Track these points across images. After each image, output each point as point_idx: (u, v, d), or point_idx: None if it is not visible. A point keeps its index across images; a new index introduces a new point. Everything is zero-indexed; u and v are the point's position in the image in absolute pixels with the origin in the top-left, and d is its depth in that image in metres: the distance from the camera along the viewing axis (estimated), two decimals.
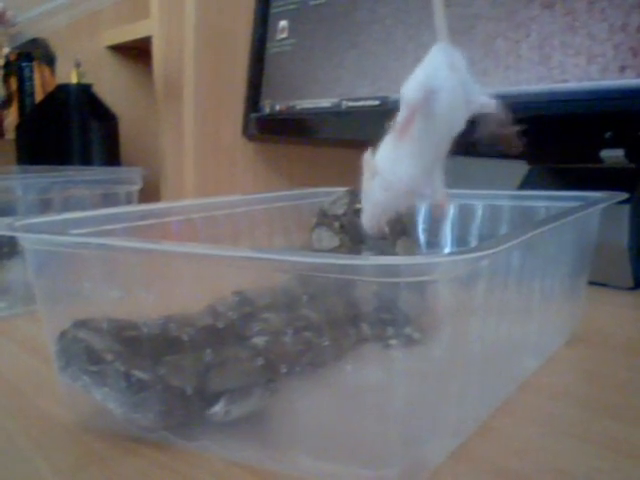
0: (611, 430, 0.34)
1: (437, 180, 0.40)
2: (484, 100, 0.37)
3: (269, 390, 0.32)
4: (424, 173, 0.38)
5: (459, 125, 0.38)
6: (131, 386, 0.31)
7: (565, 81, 0.62)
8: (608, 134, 0.62)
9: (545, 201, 0.51)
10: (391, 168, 0.39)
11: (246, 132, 1.02)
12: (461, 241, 0.57)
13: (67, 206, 0.65)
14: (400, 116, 0.38)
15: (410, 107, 0.36)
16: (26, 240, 0.35)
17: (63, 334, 0.33)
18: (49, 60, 1.12)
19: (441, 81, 0.36)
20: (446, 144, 0.38)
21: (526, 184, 0.75)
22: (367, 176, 0.42)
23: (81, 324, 0.33)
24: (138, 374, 0.31)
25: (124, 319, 0.34)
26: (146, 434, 0.33)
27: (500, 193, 0.55)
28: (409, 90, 0.36)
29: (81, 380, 0.32)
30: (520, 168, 0.77)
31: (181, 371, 0.32)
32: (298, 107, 0.92)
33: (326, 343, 0.37)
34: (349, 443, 0.30)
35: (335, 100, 0.86)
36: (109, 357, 0.31)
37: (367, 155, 0.41)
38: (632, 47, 0.57)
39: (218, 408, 0.31)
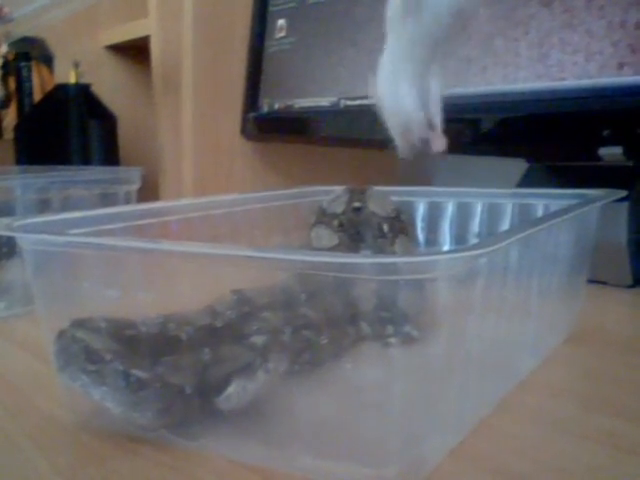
0: (610, 427, 0.34)
1: (434, 100, 0.41)
2: None
3: (282, 358, 0.32)
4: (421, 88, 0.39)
5: (446, 16, 0.39)
6: (130, 385, 0.31)
7: (563, 79, 0.62)
8: (606, 132, 0.62)
9: (544, 199, 0.51)
10: (390, 94, 0.40)
11: (244, 131, 1.02)
12: (460, 239, 0.57)
13: (66, 206, 0.65)
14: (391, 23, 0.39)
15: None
16: (24, 240, 0.35)
17: (61, 334, 0.33)
18: (47, 60, 1.12)
19: None
20: (440, 41, 0.40)
21: (525, 182, 0.75)
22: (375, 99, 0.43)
23: (79, 324, 0.33)
24: (137, 373, 0.31)
25: (122, 318, 0.34)
26: (145, 433, 0.33)
27: (499, 191, 0.55)
28: None
29: (80, 380, 0.32)
30: (519, 166, 0.77)
31: (180, 370, 0.32)
32: (297, 106, 0.92)
33: (325, 342, 0.37)
34: (348, 441, 0.30)
35: (334, 99, 0.86)
36: (107, 356, 0.31)
37: (370, 78, 0.42)
38: (630, 44, 0.57)
39: (232, 388, 0.31)
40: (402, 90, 0.40)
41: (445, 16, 0.39)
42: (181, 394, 0.31)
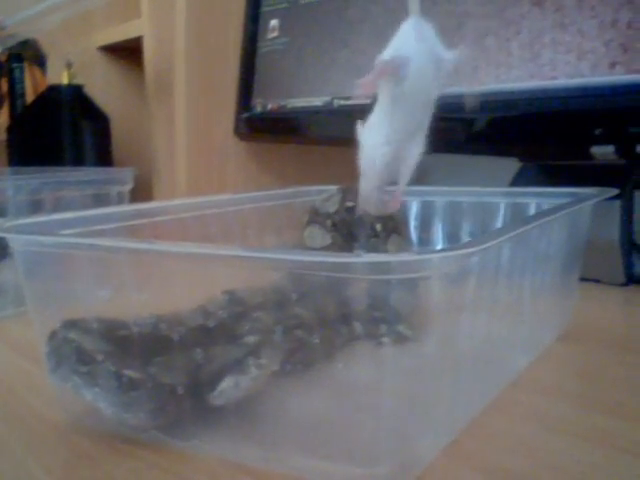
0: (604, 426, 0.34)
1: (407, 166, 0.42)
2: (450, 56, 0.40)
3: (276, 352, 0.32)
4: (398, 145, 0.41)
5: (432, 91, 0.41)
6: (121, 385, 0.31)
7: (555, 78, 0.62)
8: (598, 130, 0.62)
9: (536, 198, 0.51)
10: (370, 139, 0.43)
11: (237, 131, 1.02)
12: (453, 238, 0.57)
13: (58, 207, 0.64)
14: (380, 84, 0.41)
15: (378, 67, 0.39)
16: (16, 241, 0.35)
17: (53, 335, 0.33)
18: (40, 61, 1.12)
19: (409, 49, 0.39)
20: (421, 113, 0.41)
21: (517, 181, 0.75)
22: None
23: (71, 324, 0.33)
24: (128, 373, 0.31)
25: (114, 319, 0.34)
26: (137, 434, 0.32)
27: (491, 190, 0.55)
28: (385, 53, 0.40)
29: (71, 381, 0.32)
30: (511, 165, 0.77)
31: (172, 370, 0.32)
32: (290, 106, 0.92)
33: (317, 341, 0.37)
34: (340, 441, 0.30)
35: (327, 99, 0.85)
36: (99, 357, 0.31)
37: (358, 126, 0.44)
38: (622, 43, 0.57)
39: (225, 384, 0.31)
40: (379, 148, 0.43)
41: (427, 93, 0.41)
42: (173, 394, 0.31)
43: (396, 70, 0.39)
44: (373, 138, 0.43)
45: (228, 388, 0.31)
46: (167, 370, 0.31)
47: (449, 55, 0.40)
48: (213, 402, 0.31)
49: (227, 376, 0.31)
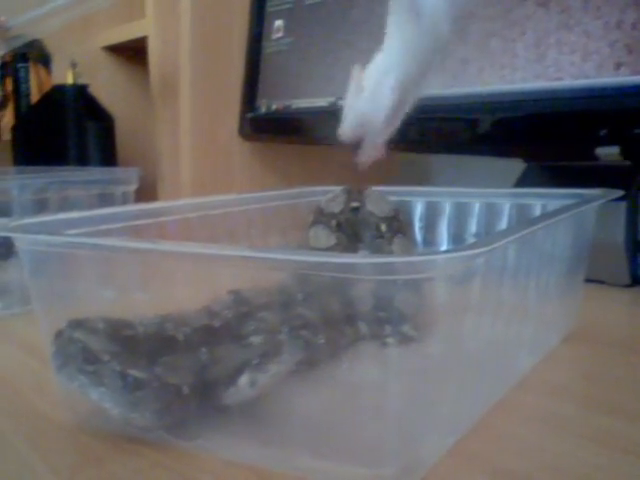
0: (608, 427, 0.34)
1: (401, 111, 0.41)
2: None
3: (296, 350, 0.32)
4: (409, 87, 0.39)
5: (444, 27, 0.39)
6: (127, 385, 0.31)
7: (560, 79, 0.62)
8: (603, 131, 0.62)
9: (541, 199, 0.51)
10: (376, 80, 0.40)
11: (242, 131, 1.02)
12: (458, 239, 0.57)
13: (63, 207, 0.65)
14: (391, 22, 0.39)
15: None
16: (22, 240, 0.35)
17: (59, 334, 0.33)
18: (45, 61, 1.12)
19: None
20: (434, 52, 0.40)
21: (522, 182, 0.75)
22: (352, 89, 0.43)
23: (77, 324, 0.33)
24: (134, 373, 0.31)
25: (120, 319, 0.34)
26: (144, 434, 0.33)
27: (496, 191, 0.55)
28: None
29: (77, 380, 0.32)
30: (516, 166, 0.77)
31: (177, 369, 0.32)
32: (294, 106, 0.92)
33: (322, 342, 0.37)
34: (346, 441, 0.30)
35: (331, 99, 0.86)
36: (105, 357, 0.31)
37: (356, 69, 0.42)
38: (627, 44, 0.57)
39: (242, 381, 0.31)
40: (382, 90, 0.40)
41: (442, 22, 0.39)
42: (179, 394, 0.31)
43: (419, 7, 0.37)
44: (381, 79, 0.40)
45: (244, 386, 0.31)
46: (173, 370, 0.31)
47: None
48: (226, 401, 0.31)
49: (244, 373, 0.31)
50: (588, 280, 0.51)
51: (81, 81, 1.08)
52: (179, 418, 0.32)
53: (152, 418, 0.31)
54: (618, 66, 0.58)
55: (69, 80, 1.07)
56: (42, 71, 1.12)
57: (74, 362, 0.32)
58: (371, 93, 0.41)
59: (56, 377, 0.33)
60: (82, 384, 0.32)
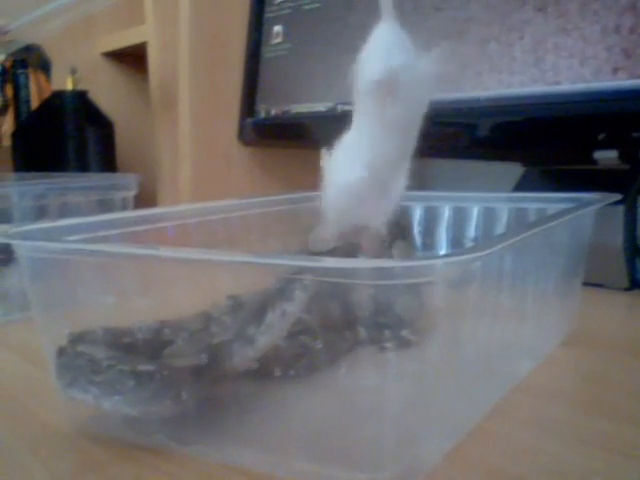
0: (606, 430, 0.34)
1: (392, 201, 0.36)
2: (432, 67, 0.35)
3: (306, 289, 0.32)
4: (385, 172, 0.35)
5: (418, 110, 0.36)
6: (139, 382, 0.31)
7: (558, 83, 0.62)
8: (601, 135, 0.62)
9: (540, 203, 0.51)
10: (342, 168, 0.36)
11: (242, 137, 1.02)
12: (456, 243, 0.57)
13: (63, 213, 0.65)
14: (361, 102, 0.35)
15: (381, 86, 0.34)
16: (21, 247, 0.35)
17: (62, 350, 0.33)
18: (44, 67, 1.12)
19: (394, 60, 0.34)
20: (407, 137, 0.36)
21: (521, 186, 0.75)
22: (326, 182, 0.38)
23: (78, 338, 0.33)
24: (143, 367, 0.31)
25: (119, 327, 0.34)
26: (144, 438, 0.33)
27: (495, 195, 0.55)
28: (373, 72, 0.35)
29: (90, 392, 0.31)
30: (515, 170, 0.77)
31: (182, 354, 0.32)
32: (293, 111, 0.92)
33: (321, 346, 0.37)
34: (344, 446, 0.30)
35: (330, 104, 0.86)
36: (111, 363, 0.31)
37: (324, 154, 0.38)
38: (625, 49, 0.58)
39: (271, 315, 0.31)
40: (355, 179, 0.36)
41: (416, 111, 0.36)
42: (193, 372, 0.31)
43: (393, 90, 0.34)
44: (347, 167, 0.36)
45: (275, 318, 0.31)
46: (178, 356, 0.31)
47: (430, 66, 0.35)
48: (259, 338, 0.31)
49: (272, 308, 0.31)
50: (587, 283, 0.51)
51: (81, 87, 1.08)
52: (198, 398, 0.32)
53: (172, 404, 0.31)
54: (616, 70, 0.58)
55: (69, 86, 1.07)
56: (42, 77, 1.12)
57: (83, 375, 0.32)
58: (344, 185, 0.37)
59: (65, 393, 0.33)
60: (95, 396, 0.32)
